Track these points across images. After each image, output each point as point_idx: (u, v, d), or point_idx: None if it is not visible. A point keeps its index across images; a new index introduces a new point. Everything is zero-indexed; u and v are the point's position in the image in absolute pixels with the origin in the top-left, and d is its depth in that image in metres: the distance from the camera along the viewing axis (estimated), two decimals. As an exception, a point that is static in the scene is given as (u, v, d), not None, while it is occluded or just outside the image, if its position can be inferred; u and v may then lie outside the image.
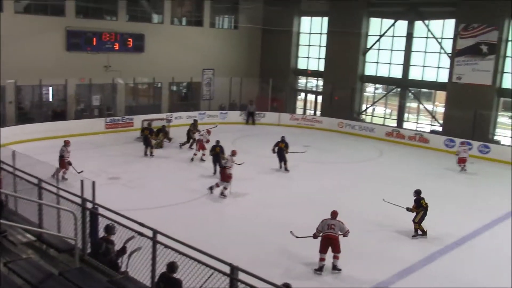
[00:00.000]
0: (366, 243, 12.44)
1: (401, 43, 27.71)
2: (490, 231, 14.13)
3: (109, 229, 8.06)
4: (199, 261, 6.22)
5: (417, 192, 13.33)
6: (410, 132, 26.20)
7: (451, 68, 25.42)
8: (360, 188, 17.54)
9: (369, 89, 30.72)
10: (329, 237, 10.78)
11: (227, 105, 30.19)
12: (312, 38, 31.66)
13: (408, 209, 13.23)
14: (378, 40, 28.57)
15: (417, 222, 13.13)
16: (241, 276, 5.85)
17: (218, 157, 17.68)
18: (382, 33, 28.36)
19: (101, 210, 8.31)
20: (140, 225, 7.06)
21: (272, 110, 30.35)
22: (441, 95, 27.13)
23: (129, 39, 26.09)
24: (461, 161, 20.53)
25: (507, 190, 17.55)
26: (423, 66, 27.11)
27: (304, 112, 31.89)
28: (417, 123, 27.74)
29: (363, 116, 29.84)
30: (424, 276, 11.08)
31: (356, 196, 16.46)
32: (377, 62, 28.92)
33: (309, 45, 31.86)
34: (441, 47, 26.23)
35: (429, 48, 26.79)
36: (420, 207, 13.08)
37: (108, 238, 8.11)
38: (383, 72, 28.73)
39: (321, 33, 30.99)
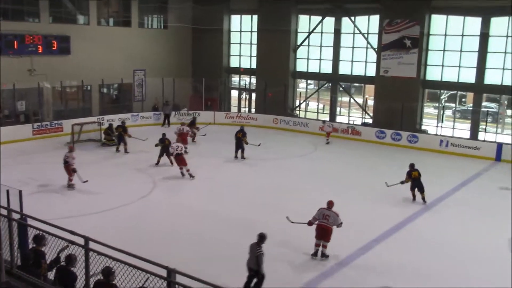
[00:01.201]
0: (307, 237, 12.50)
1: (329, 39, 28.37)
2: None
3: (38, 239, 7.70)
4: (134, 266, 6.06)
5: (410, 165, 16.05)
6: (343, 125, 26.86)
7: (378, 62, 26.30)
8: (298, 185, 17.71)
9: (302, 85, 31.25)
10: (322, 227, 11.44)
11: (160, 106, 29.71)
12: (243, 36, 31.76)
13: (402, 182, 15.89)
14: (308, 37, 29.09)
15: (410, 189, 15.86)
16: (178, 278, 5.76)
17: (167, 149, 19.14)
18: (311, 30, 28.90)
19: (29, 221, 7.91)
20: (70, 233, 6.77)
21: (206, 109, 30.20)
22: (370, 88, 28.02)
23: (53, 42, 25.12)
24: (328, 135, 25.10)
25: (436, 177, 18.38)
26: (352, 61, 27.89)
27: (239, 110, 31.96)
28: (349, 116, 28.52)
29: (297, 112, 30.29)
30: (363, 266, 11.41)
31: (299, 192, 16.59)
32: (308, 59, 29.44)
33: (240, 43, 31.95)
34: (368, 42, 27.08)
35: (357, 44, 27.61)
36: (410, 177, 15.83)
37: (38, 248, 7.74)
38: (314, 68, 29.31)
39: (251, 31, 31.16)
